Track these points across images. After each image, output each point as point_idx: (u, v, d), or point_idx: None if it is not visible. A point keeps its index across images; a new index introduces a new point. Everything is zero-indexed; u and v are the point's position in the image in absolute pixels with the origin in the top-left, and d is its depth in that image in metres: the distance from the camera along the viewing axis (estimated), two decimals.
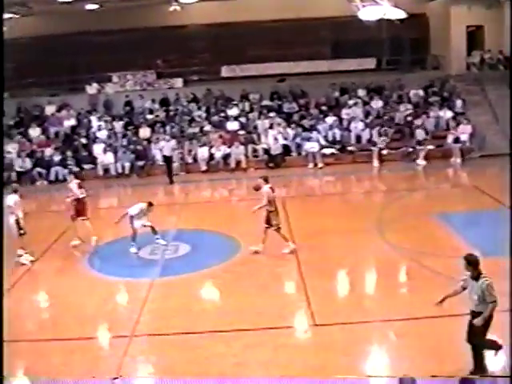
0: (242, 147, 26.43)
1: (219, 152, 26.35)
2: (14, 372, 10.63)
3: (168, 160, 25.23)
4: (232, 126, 27.96)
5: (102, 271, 15.04)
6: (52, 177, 26.18)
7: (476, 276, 8.91)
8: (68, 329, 11.91)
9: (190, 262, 15.25)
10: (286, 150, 26.59)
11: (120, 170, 26.32)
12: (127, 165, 26.27)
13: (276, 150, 26.25)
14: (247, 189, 24.49)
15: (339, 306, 12.35)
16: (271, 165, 26.05)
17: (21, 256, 15.83)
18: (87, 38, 31.54)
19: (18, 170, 26.37)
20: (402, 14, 24.57)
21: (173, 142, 26.02)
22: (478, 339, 9.00)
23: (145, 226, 16.18)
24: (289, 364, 9.88)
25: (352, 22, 27.09)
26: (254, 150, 26.83)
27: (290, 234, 16.31)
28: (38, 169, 26.35)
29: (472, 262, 8.95)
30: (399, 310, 10.67)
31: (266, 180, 15.53)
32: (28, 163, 26.57)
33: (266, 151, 26.50)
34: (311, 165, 25.90)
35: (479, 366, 9.03)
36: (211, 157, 26.42)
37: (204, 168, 26.13)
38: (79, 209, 17.19)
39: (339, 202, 21.40)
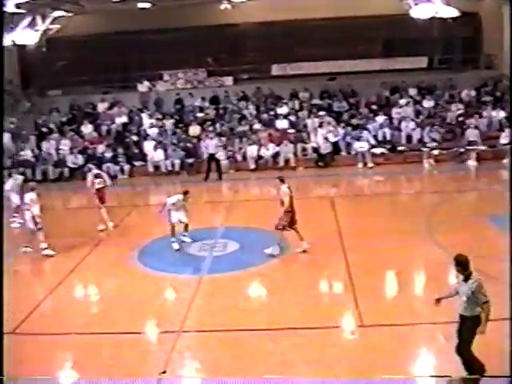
0: (291, 146, 26.42)
1: (268, 150, 26.39)
2: (63, 365, 10.88)
3: (212, 157, 25.41)
4: (281, 124, 27.96)
5: (152, 267, 15.20)
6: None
7: (465, 277, 8.72)
8: (117, 323, 12.09)
9: (239, 259, 15.30)
10: (336, 149, 26.49)
11: (170, 168, 26.57)
12: (177, 162, 26.50)
13: (325, 148, 26.17)
14: (296, 188, 24.52)
15: (387, 307, 12.23)
16: (320, 164, 26.01)
17: (46, 249, 16.61)
18: (139, 37, 31.93)
19: (71, 166, 26.92)
20: (454, 13, 24.29)
21: (216, 140, 26.04)
22: (466, 352, 8.82)
23: (181, 222, 16.47)
24: (336, 364, 9.85)
25: (404, 20, 26.89)
26: (304, 149, 26.80)
27: (338, 234, 16.30)
28: (90, 165, 26.75)
29: (461, 263, 8.74)
30: (448, 312, 10.51)
31: (283, 180, 15.71)
32: (80, 159, 27.05)
33: (316, 150, 26.44)
34: (361, 164, 25.74)
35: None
36: (260, 155, 26.48)
37: (253, 166, 26.22)
38: (100, 197, 18.61)
39: (389, 203, 21.18)
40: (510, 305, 9.69)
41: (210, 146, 25.52)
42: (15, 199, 19.98)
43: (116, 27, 31.41)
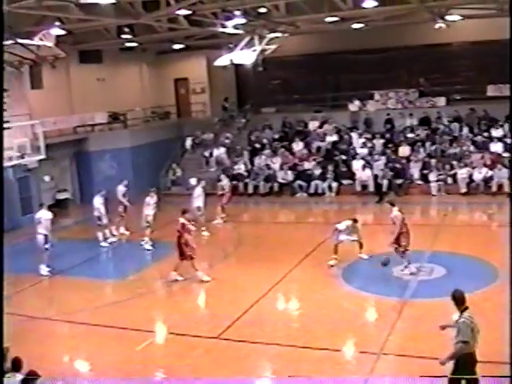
0: (505, 170, 25.16)
1: (480, 174, 25.37)
2: (262, 373, 11.19)
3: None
4: (496, 147, 26.78)
5: (355, 286, 15.26)
6: (312, 190, 27.11)
7: (460, 313, 8.97)
8: (318, 338, 12.24)
9: (445, 285, 14.72)
10: None
11: None
12: (385, 182, 26.32)
13: None
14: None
15: None
16: None
17: (147, 243, 20.28)
18: (351, 57, 32.30)
19: (281, 181, 27.75)
20: None
21: (380, 162, 26.38)
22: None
23: (352, 240, 16.99)
24: None
25: None
26: None
27: None
28: (299, 181, 27.44)
29: (454, 298, 9.08)
30: None
31: (393, 204, 15.97)
32: (290, 175, 27.80)
33: None
34: None
35: None
36: (472, 179, 25.51)
37: (464, 190, 25.31)
38: (229, 198, 23.69)
39: None
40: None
41: (375, 166, 25.91)
42: (200, 207, 21.84)
43: (328, 47, 31.95)
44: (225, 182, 24.28)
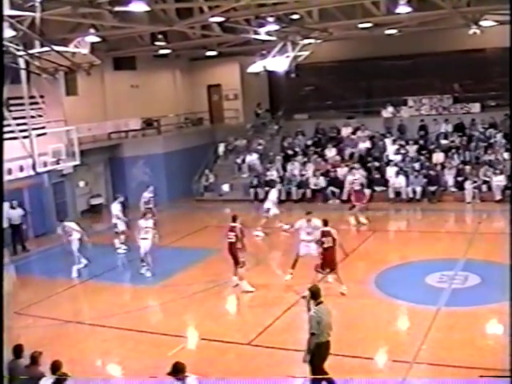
0: None
1: None
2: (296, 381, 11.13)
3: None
4: None
5: (388, 293, 15.09)
6: (344, 196, 26.92)
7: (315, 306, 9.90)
8: (350, 346, 12.10)
9: (479, 294, 14.65)
10: None
11: (411, 195, 26.22)
12: (418, 189, 26.09)
13: None
14: None
15: None
16: None
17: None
18: (384, 63, 32.13)
19: (313, 187, 27.67)
20: None
21: (361, 171, 26.22)
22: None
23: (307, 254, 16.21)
24: None
25: None
26: None
27: None
28: (332, 188, 27.31)
29: (311, 292, 10.04)
30: None
31: (326, 223, 15.23)
32: (322, 182, 27.70)
33: None
34: None
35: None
36: (508, 186, 25.11)
37: (498, 197, 24.93)
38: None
39: None
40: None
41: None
42: (272, 211, 22.48)
43: (361, 53, 31.83)
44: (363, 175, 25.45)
